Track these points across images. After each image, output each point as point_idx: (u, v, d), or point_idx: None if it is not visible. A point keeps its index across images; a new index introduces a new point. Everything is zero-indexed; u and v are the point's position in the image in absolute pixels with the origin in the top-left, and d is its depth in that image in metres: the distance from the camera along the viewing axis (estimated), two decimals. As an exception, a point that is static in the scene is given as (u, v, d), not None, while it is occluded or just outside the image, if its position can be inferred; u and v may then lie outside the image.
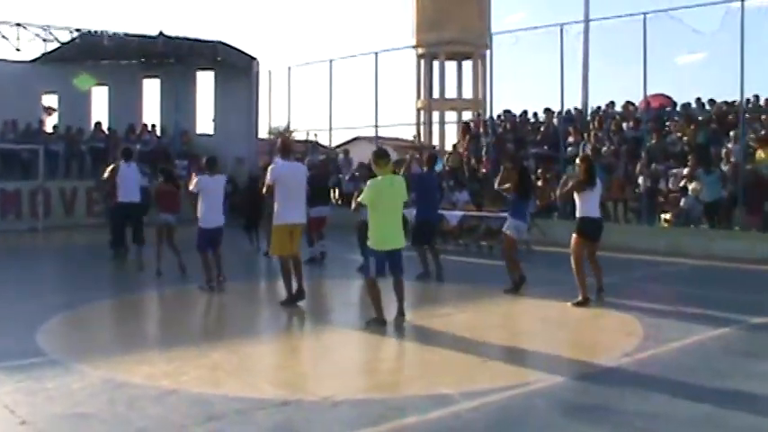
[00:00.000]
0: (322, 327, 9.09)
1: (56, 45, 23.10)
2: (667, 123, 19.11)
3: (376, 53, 22.56)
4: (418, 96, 49.94)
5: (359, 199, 9.05)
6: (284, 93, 25.40)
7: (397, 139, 35.31)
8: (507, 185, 10.55)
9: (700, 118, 18.52)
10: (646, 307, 9.41)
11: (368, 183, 8.63)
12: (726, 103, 18.73)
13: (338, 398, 5.84)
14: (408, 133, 51.92)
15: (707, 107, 19.13)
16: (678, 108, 19.64)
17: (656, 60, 18.09)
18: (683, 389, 6.10)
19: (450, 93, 50.36)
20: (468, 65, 50.27)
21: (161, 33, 22.70)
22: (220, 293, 10.92)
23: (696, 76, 49.70)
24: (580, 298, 9.58)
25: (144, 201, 13.62)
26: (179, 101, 25.26)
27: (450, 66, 50.90)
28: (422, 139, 45.19)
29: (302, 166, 10.66)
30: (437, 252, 12.23)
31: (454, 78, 51.24)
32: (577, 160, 10.18)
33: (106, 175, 13.86)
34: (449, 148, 44.26)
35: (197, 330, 9.06)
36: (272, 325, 9.44)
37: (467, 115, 50.07)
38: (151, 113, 26.66)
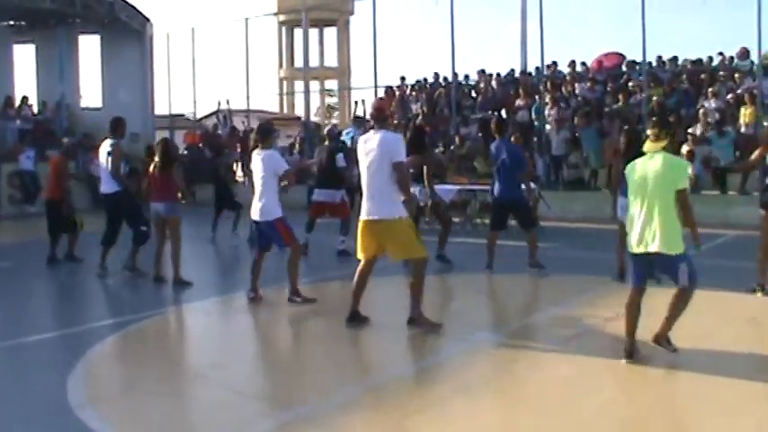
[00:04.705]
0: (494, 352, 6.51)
1: None
2: (630, 84, 18.15)
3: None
4: (281, 65, 47.59)
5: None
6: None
7: (262, 111, 33.13)
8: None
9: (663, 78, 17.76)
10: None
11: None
12: (692, 62, 18.05)
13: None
14: (271, 105, 49.34)
15: (667, 66, 18.38)
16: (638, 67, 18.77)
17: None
18: None
19: (313, 62, 48.24)
20: (330, 32, 48.45)
21: (49, -13, 19.15)
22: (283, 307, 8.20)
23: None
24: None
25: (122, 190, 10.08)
26: (61, 69, 21.60)
27: (313, 33, 48.71)
28: (285, 110, 43.01)
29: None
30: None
31: (317, 46, 49.10)
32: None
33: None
34: (314, 118, 42.61)
35: (318, 373, 6.12)
36: (429, 357, 6.54)
37: (330, 84, 48.34)
38: (24, 84, 22.80)
